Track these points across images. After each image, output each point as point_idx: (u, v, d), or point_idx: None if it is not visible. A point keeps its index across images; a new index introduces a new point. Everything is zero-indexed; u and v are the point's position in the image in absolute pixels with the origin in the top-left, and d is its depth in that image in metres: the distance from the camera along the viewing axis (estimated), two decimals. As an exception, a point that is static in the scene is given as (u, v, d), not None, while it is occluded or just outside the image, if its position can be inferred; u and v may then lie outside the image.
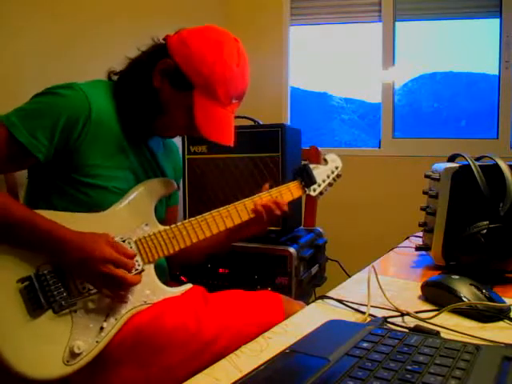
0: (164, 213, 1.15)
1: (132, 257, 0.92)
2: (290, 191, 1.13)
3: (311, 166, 1.18)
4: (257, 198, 1.09)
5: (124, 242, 0.95)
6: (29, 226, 0.86)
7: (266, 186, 1.13)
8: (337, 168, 1.22)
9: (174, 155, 1.25)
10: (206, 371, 0.56)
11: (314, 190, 1.17)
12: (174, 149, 1.25)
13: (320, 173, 1.18)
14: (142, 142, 1.07)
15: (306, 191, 1.16)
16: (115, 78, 1.06)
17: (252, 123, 1.65)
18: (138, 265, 0.95)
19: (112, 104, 1.00)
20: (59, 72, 1.59)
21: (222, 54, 0.96)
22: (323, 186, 1.18)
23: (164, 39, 1.02)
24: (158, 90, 0.99)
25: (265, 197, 1.09)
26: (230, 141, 1.00)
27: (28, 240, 0.87)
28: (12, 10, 1.44)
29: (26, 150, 0.89)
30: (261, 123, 1.65)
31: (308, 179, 1.16)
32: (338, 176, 1.22)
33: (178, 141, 1.25)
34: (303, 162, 1.26)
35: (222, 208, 1.05)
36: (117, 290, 0.89)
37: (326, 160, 1.22)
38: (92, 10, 1.75)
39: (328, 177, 1.19)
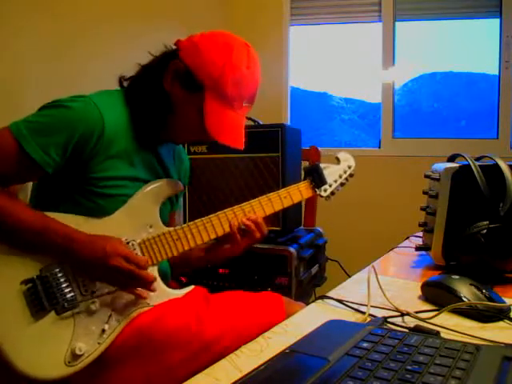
0: (168, 215, 1.14)
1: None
2: (299, 191, 1.11)
3: (322, 165, 1.14)
4: (264, 198, 1.07)
5: (128, 243, 0.95)
6: (39, 228, 0.86)
7: None
8: (349, 167, 1.17)
9: (184, 165, 1.23)
10: (206, 371, 0.56)
11: (325, 191, 1.13)
12: (184, 158, 1.23)
13: (331, 172, 1.15)
14: (152, 150, 1.05)
15: (316, 191, 1.12)
16: (126, 83, 1.05)
17: (252, 123, 1.65)
18: None
19: (125, 111, 0.99)
20: (59, 72, 1.60)
21: (231, 56, 0.95)
22: (334, 186, 1.15)
23: (175, 44, 1.01)
24: (170, 92, 0.98)
25: (273, 197, 1.08)
26: (240, 144, 0.98)
27: (36, 241, 0.86)
28: (12, 10, 1.44)
29: (37, 165, 0.88)
30: (261, 123, 1.65)
31: (318, 179, 1.12)
32: (351, 175, 1.18)
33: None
34: (315, 162, 1.23)
35: (227, 209, 1.04)
36: (130, 285, 0.89)
37: (338, 159, 1.17)
38: (92, 10, 1.75)
39: (340, 176, 1.16)
